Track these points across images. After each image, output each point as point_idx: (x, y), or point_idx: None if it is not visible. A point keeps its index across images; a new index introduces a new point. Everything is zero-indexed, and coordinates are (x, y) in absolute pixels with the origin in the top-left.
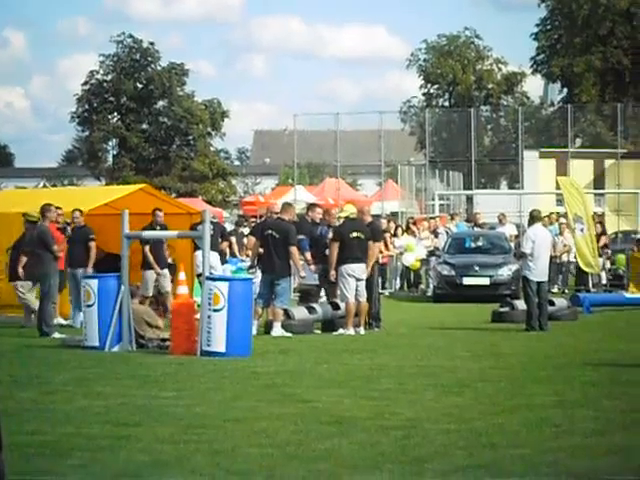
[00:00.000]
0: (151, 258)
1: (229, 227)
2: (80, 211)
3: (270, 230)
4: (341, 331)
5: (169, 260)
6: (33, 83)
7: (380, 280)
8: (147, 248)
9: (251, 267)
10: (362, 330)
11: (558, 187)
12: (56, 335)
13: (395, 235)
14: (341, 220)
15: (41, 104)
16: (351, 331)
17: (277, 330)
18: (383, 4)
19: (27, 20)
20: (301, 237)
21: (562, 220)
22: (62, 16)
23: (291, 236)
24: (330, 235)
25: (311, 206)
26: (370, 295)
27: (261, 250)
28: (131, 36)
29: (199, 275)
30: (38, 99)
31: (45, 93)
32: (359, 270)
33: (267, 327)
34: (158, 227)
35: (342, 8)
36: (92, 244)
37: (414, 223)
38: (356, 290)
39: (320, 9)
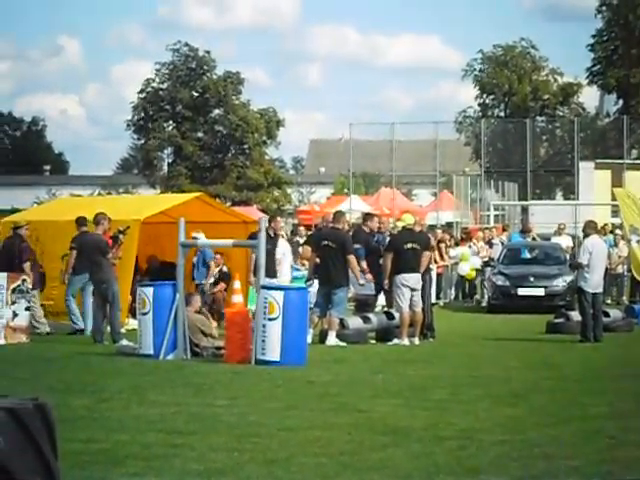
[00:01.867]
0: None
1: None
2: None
3: (326, 240)
4: (396, 341)
5: (224, 269)
6: (87, 91)
7: (435, 290)
8: (254, 256)
9: (309, 279)
10: (417, 340)
11: (613, 198)
12: (124, 342)
13: (450, 245)
14: (398, 230)
15: (95, 112)
16: (406, 341)
17: (332, 339)
18: (436, 14)
19: (81, 28)
20: (357, 246)
21: (618, 231)
22: (116, 24)
23: (348, 245)
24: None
25: (368, 215)
26: (423, 305)
27: (317, 260)
28: (187, 44)
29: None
30: (92, 107)
31: (99, 101)
32: (413, 280)
33: (322, 336)
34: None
35: (396, 18)
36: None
37: (469, 233)
38: (411, 300)
39: (374, 18)
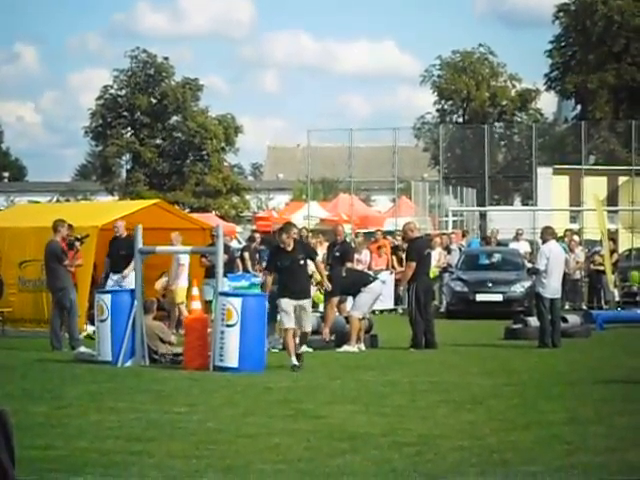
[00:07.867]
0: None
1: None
2: None
3: None
4: (345, 347)
5: None
6: (44, 98)
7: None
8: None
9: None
10: (363, 346)
11: (572, 204)
12: (82, 349)
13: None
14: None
15: (52, 119)
16: (355, 348)
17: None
18: (391, 21)
19: (37, 35)
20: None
21: (575, 237)
22: (71, 32)
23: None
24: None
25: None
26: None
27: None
28: (145, 51)
29: None
30: (49, 114)
31: (56, 108)
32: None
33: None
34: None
35: (351, 24)
36: None
37: (431, 239)
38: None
39: (329, 25)
